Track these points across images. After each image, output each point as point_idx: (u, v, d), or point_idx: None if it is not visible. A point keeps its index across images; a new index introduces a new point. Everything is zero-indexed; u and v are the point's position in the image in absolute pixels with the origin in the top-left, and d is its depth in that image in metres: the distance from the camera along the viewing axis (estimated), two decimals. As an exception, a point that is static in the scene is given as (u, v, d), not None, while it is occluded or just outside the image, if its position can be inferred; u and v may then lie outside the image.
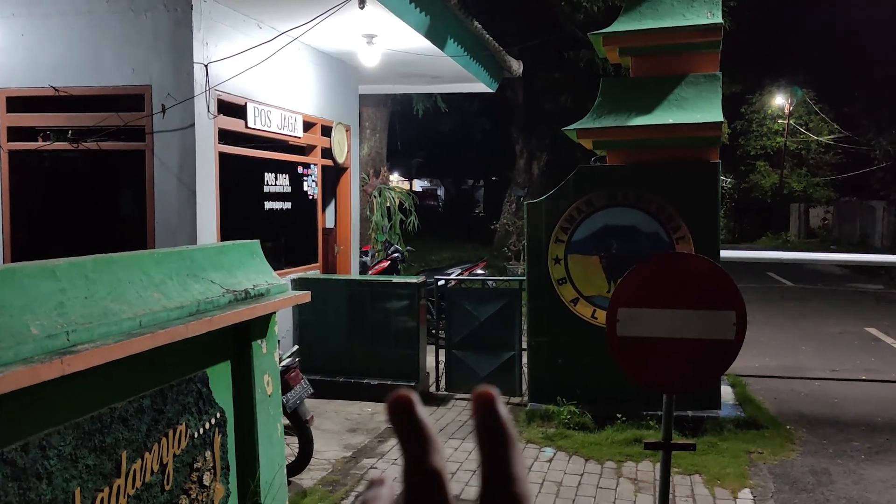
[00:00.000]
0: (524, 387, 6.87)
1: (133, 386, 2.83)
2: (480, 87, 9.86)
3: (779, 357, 8.99)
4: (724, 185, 29.58)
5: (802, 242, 29.97)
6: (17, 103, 6.00)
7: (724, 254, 6.91)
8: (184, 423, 3.11)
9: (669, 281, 3.18)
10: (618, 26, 6.54)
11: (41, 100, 5.92)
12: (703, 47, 6.49)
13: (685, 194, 6.25)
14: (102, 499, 2.60)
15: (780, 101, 31.76)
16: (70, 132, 5.89)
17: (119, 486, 2.69)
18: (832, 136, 31.06)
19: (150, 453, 2.88)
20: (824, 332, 10.64)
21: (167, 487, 2.99)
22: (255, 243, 3.94)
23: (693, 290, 3.14)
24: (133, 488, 2.77)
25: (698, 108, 6.24)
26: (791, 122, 31.64)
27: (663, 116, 6.24)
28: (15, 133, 6.05)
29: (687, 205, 6.22)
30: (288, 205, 7.34)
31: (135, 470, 2.78)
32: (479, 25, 8.08)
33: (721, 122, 6.07)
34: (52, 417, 2.43)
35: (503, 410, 0.43)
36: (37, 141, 6.01)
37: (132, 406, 2.80)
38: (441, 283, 7.74)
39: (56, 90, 5.79)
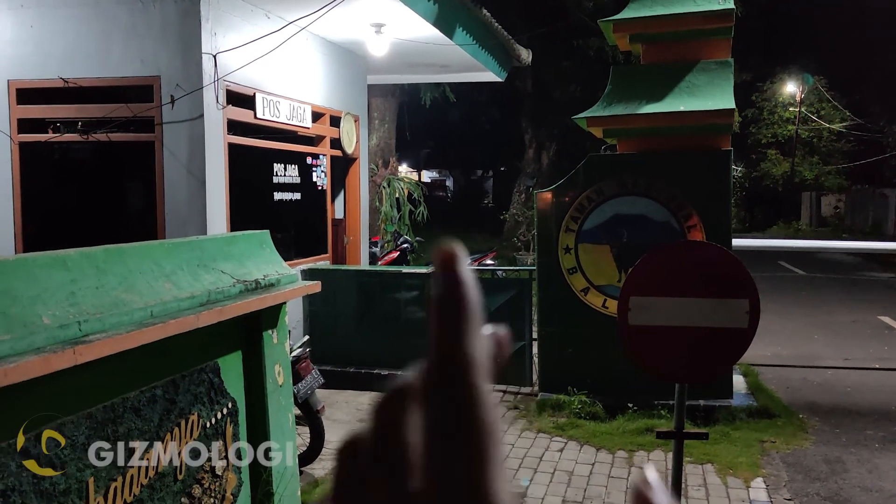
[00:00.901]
0: (535, 377, 6.87)
1: (145, 376, 2.83)
2: (489, 76, 9.81)
3: (791, 346, 8.94)
4: (735, 173, 29.38)
5: (814, 231, 29.79)
6: (27, 95, 6.02)
7: (735, 242, 6.86)
8: (196, 413, 3.12)
9: (681, 269, 3.15)
10: (628, 13, 6.49)
11: (51, 91, 5.94)
12: (714, 34, 6.43)
13: (696, 183, 6.20)
14: (116, 488, 2.61)
15: (791, 88, 31.46)
16: (80, 123, 5.90)
17: (132, 476, 2.70)
18: (844, 124, 30.79)
19: (163, 443, 2.89)
20: (837, 321, 10.57)
21: (180, 477, 3.00)
22: (265, 233, 3.93)
23: (705, 278, 3.11)
24: (146, 478, 2.78)
25: (710, 95, 6.18)
26: (802, 109, 31.37)
27: (674, 104, 6.19)
28: (25, 125, 6.07)
29: (698, 193, 6.17)
30: (297, 195, 7.34)
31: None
32: (488, 14, 8.03)
33: (733, 110, 6.01)
34: (64, 407, 2.43)
35: (465, 273, 0.37)
36: (47, 132, 6.03)
37: (144, 396, 2.81)
38: (451, 273, 7.72)
39: (65, 81, 5.79)
